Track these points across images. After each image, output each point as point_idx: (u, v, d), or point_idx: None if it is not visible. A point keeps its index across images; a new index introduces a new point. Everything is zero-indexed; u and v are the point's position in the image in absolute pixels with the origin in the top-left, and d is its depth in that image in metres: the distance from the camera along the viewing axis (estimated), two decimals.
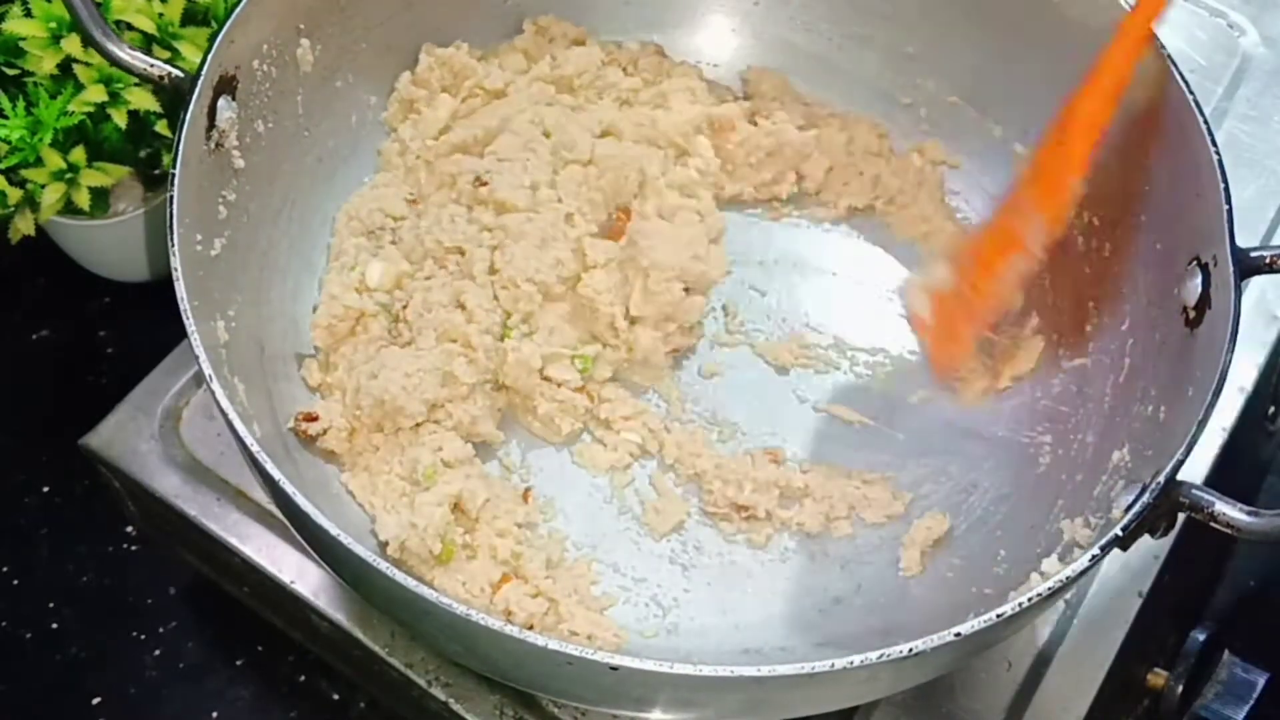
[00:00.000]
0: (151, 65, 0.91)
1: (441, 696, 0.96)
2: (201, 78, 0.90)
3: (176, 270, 0.84)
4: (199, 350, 0.82)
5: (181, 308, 0.83)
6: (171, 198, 0.86)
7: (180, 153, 0.88)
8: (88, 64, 1.07)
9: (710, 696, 0.80)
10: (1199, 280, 0.89)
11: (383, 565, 0.75)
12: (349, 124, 1.09)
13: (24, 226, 1.12)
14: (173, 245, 0.84)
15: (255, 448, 0.79)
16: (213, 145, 0.93)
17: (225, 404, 0.80)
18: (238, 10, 0.93)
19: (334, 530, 0.76)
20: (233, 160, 0.95)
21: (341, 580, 0.89)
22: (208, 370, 0.81)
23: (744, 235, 1.13)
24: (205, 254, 0.91)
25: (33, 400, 1.26)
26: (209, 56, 0.91)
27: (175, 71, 0.90)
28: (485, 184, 1.04)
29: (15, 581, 1.17)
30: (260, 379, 0.95)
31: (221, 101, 0.93)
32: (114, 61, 0.91)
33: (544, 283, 1.01)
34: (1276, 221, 1.15)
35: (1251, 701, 0.99)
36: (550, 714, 0.95)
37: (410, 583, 0.74)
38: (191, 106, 0.89)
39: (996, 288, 0.99)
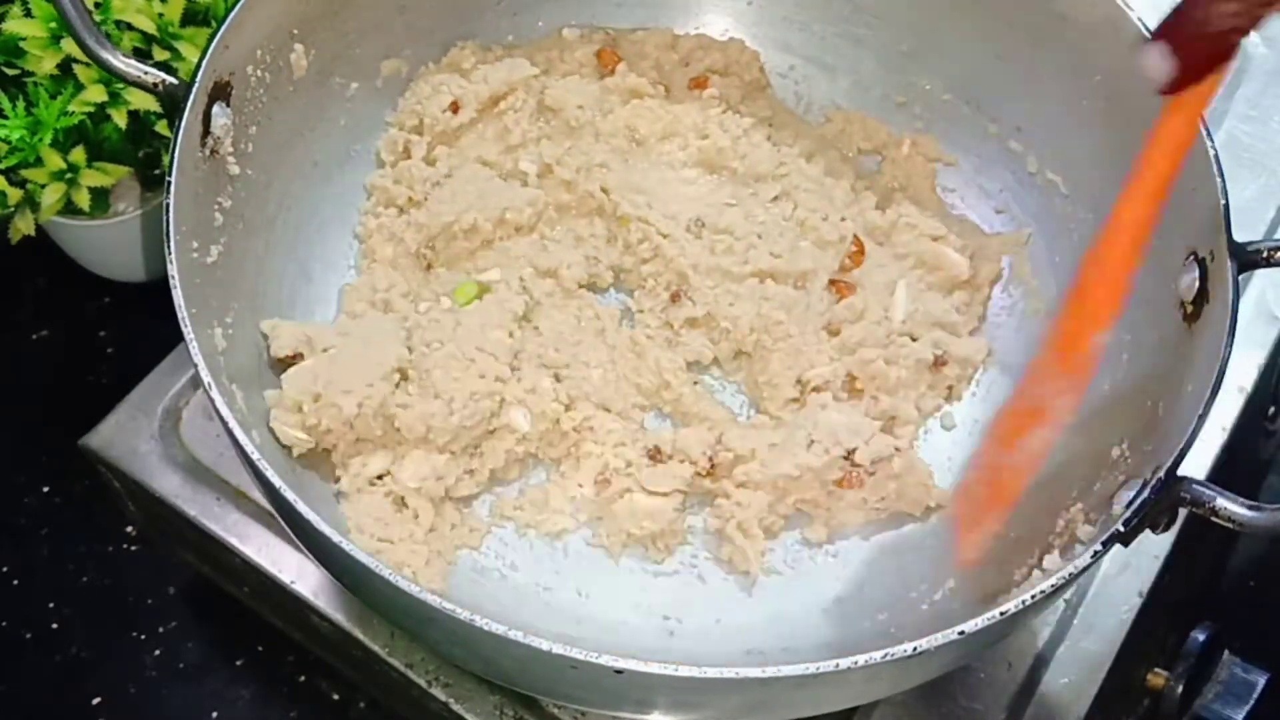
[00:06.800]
0: (145, 73, 0.90)
1: (441, 697, 0.96)
2: (196, 84, 0.90)
3: (174, 278, 0.83)
4: (197, 358, 0.82)
5: (179, 315, 0.82)
6: (167, 206, 0.86)
7: (176, 160, 0.87)
8: (88, 64, 1.07)
9: (713, 698, 0.80)
10: (1195, 275, 0.90)
11: (385, 571, 0.75)
12: (344, 128, 1.08)
13: (24, 226, 1.12)
14: (170, 253, 0.84)
15: (255, 455, 0.79)
16: (208, 152, 0.92)
17: (225, 411, 0.80)
18: (231, 16, 0.92)
19: (336, 537, 0.76)
20: (228, 167, 0.95)
21: (343, 585, 0.89)
22: (206, 378, 0.81)
23: None
24: (202, 261, 0.91)
25: (33, 400, 1.27)
26: (203, 63, 0.90)
27: (169, 79, 0.90)
28: None
29: (15, 581, 1.17)
30: (258, 385, 0.95)
31: (216, 108, 0.92)
32: (108, 69, 0.90)
33: None
34: (1277, 221, 1.15)
35: (1251, 701, 0.99)
36: (550, 714, 0.96)
37: (414, 589, 0.74)
38: (186, 114, 0.89)
39: (1023, 464, 0.90)
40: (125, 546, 1.19)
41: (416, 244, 1.05)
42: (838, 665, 0.74)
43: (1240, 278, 0.86)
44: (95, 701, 1.12)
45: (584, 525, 0.99)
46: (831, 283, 1.06)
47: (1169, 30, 0.75)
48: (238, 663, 1.14)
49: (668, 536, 0.98)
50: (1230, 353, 0.83)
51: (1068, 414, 0.87)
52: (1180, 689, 1.01)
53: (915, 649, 0.75)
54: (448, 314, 1.01)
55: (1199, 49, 0.75)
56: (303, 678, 1.13)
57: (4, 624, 1.15)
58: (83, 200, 1.10)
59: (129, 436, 1.04)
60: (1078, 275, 0.87)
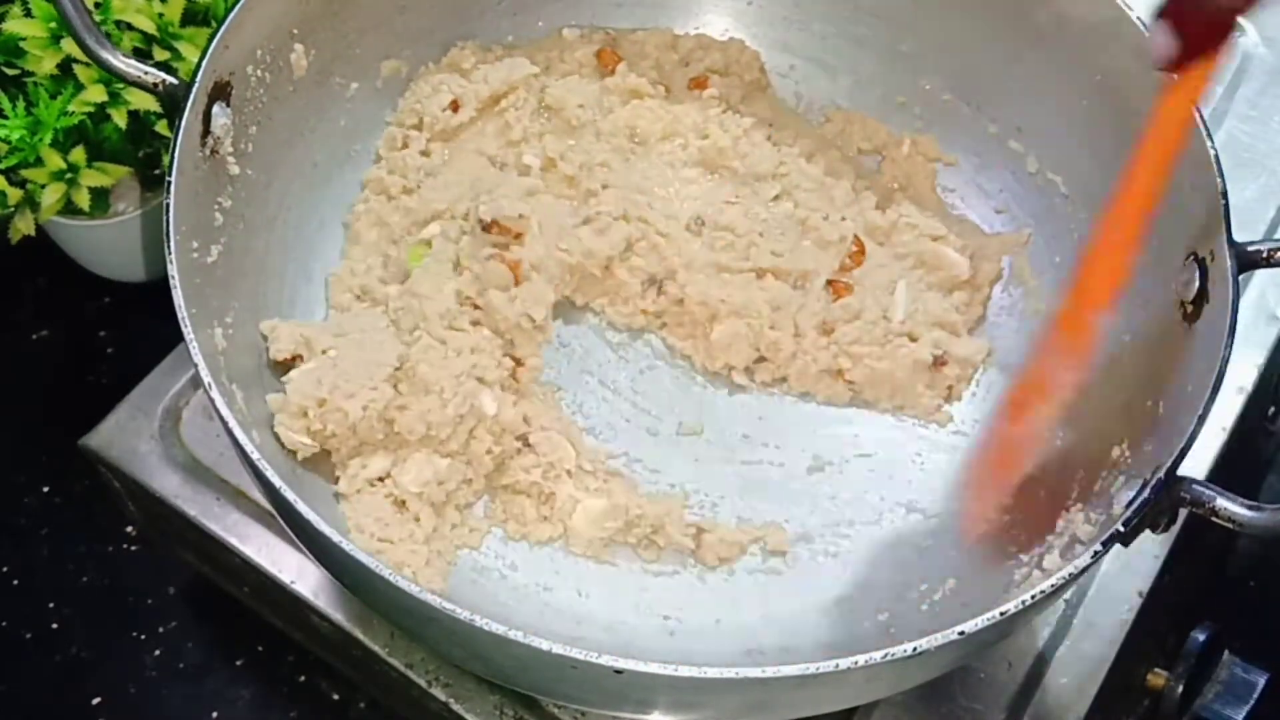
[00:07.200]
0: (145, 73, 0.90)
1: (441, 696, 0.96)
2: (196, 84, 0.89)
3: (174, 278, 0.83)
4: (197, 358, 0.82)
5: (179, 315, 0.82)
6: (168, 206, 0.86)
7: (176, 160, 0.87)
8: (88, 64, 1.07)
9: (713, 698, 0.80)
10: (1196, 275, 0.89)
11: (385, 571, 0.75)
12: (344, 128, 1.08)
13: (24, 226, 1.12)
14: (170, 253, 0.84)
15: (255, 455, 0.79)
16: (208, 152, 0.92)
17: (225, 412, 0.80)
18: (231, 16, 0.92)
19: (336, 537, 0.76)
20: (228, 167, 0.95)
21: (343, 585, 0.89)
22: (207, 379, 0.81)
23: None
24: (202, 261, 0.91)
25: (33, 400, 1.26)
26: (203, 63, 0.90)
27: (169, 79, 0.90)
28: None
29: (15, 581, 1.17)
30: (258, 385, 0.95)
31: (216, 108, 0.92)
32: (108, 69, 0.90)
33: None
34: (1277, 221, 1.15)
35: (1251, 701, 0.99)
36: (550, 714, 0.95)
37: (414, 589, 0.74)
38: (186, 114, 0.89)
39: (1027, 439, 0.95)
40: (125, 546, 1.19)
41: (402, 229, 1.05)
42: (838, 665, 0.74)
43: (1240, 278, 0.86)
44: (95, 701, 1.12)
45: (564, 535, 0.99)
46: (829, 283, 1.06)
47: (1172, 8, 0.81)
48: (238, 663, 1.14)
49: (655, 535, 0.98)
50: (1230, 353, 0.83)
51: (1069, 391, 0.92)
52: (1180, 689, 1.00)
53: (915, 649, 0.75)
54: (413, 299, 1.00)
55: (1199, 25, 0.81)
56: (303, 678, 1.13)
57: (4, 624, 1.15)
58: (83, 200, 1.10)
59: (129, 436, 1.04)
60: (1082, 256, 0.91)
